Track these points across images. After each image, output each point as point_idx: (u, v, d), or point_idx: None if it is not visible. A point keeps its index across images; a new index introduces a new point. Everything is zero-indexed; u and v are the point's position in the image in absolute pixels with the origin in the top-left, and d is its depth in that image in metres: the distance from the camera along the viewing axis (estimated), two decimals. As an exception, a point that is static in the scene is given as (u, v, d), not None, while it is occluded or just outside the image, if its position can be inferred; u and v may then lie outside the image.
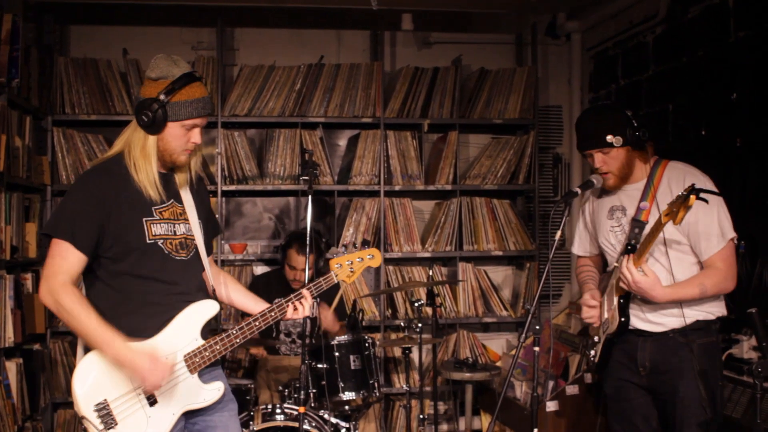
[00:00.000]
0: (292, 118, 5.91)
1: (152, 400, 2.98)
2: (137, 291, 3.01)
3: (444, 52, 6.38)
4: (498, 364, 5.83)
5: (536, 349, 3.46)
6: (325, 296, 4.26)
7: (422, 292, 5.73)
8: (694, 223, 3.48)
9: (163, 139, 3.01)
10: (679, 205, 3.16)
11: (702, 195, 3.14)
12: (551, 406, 4.76)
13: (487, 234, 6.18)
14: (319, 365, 4.61)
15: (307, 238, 3.90)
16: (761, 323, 3.04)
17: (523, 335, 3.44)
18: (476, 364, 5.49)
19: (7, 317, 4.66)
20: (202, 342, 3.07)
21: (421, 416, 5.05)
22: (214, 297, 3.20)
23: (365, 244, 3.44)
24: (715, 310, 3.58)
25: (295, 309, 3.25)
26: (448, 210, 6.13)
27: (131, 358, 2.88)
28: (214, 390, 3.12)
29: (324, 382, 4.62)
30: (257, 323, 3.16)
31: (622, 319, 3.66)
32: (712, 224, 3.47)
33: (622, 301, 3.65)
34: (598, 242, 3.89)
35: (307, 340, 4.27)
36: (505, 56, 6.57)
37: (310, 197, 3.93)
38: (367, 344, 4.83)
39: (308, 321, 4.26)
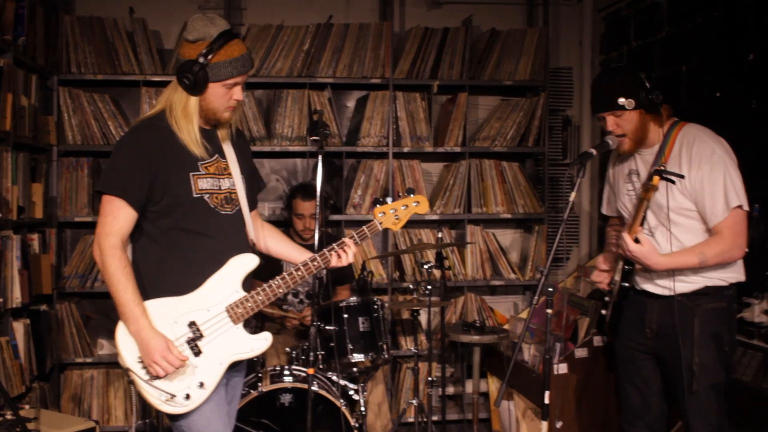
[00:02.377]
0: (300, 79, 5.84)
1: (197, 351, 3.03)
2: (183, 245, 3.05)
3: (454, 12, 6.30)
4: (506, 327, 5.81)
5: (549, 311, 3.45)
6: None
7: (431, 255, 5.70)
8: (700, 190, 3.45)
9: (206, 99, 3.04)
10: (648, 185, 3.16)
11: (667, 177, 3.13)
12: (560, 368, 4.74)
13: (495, 197, 6.13)
14: (328, 327, 4.60)
15: (317, 199, 3.85)
16: None
17: (536, 296, 3.42)
18: (484, 327, 5.47)
19: (14, 277, 4.65)
20: (243, 293, 3.09)
21: (429, 378, 5.04)
22: (254, 250, 3.21)
23: (410, 191, 3.37)
24: (729, 275, 3.55)
25: (339, 257, 3.25)
26: (457, 172, 6.08)
27: (148, 340, 2.93)
28: (262, 339, 3.14)
29: (332, 344, 4.61)
30: (299, 273, 3.18)
31: (624, 284, 3.66)
32: (717, 191, 3.42)
33: (627, 267, 3.64)
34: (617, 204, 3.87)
35: (317, 301, 4.24)
36: (516, 17, 6.49)
37: (320, 157, 3.87)
38: (375, 306, 4.82)
39: (317, 282, 4.23)
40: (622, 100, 3.50)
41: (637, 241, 3.42)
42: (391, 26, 5.96)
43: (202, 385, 3.01)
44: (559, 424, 4.69)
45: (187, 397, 2.99)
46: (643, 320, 3.69)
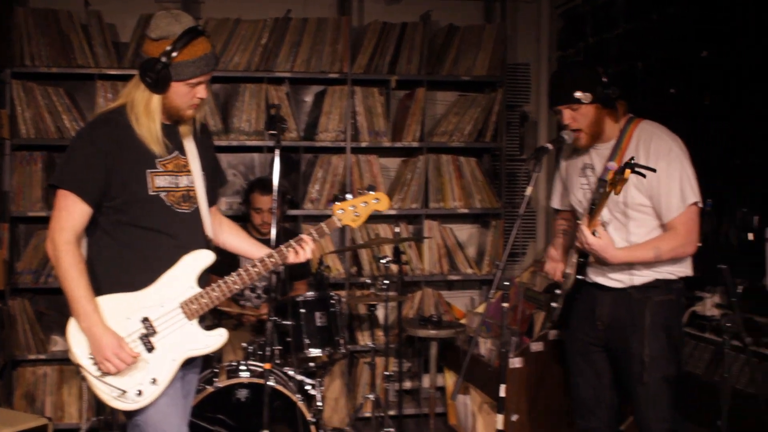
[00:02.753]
0: (258, 73, 5.81)
1: (150, 347, 3.00)
2: (138, 242, 3.02)
3: (412, 8, 6.29)
4: (462, 321, 5.83)
5: (505, 305, 3.47)
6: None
7: (388, 250, 5.71)
8: (657, 186, 3.49)
9: (168, 98, 3.01)
10: (617, 178, 3.18)
11: (639, 170, 3.17)
12: (516, 362, 4.77)
13: (453, 191, 6.15)
14: (285, 322, 4.58)
15: (274, 193, 3.84)
16: (731, 279, 3.05)
17: (492, 291, 3.44)
18: (441, 322, 5.49)
19: (-35, 272, 4.58)
20: (198, 290, 3.08)
21: (386, 373, 5.05)
22: (211, 246, 3.19)
23: (371, 188, 3.35)
24: (678, 269, 3.61)
25: (296, 253, 3.24)
26: (415, 167, 6.09)
27: (99, 337, 2.91)
28: (217, 336, 3.14)
29: (289, 339, 4.60)
30: (256, 269, 3.17)
31: (579, 277, 3.70)
32: (673, 187, 3.47)
33: (581, 260, 3.67)
34: (569, 198, 3.90)
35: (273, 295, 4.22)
36: (474, 13, 6.50)
37: (277, 151, 3.86)
38: (332, 301, 4.82)
39: (273, 276, 4.22)
40: (578, 94, 3.54)
41: (594, 234, 3.45)
42: (350, 21, 5.95)
43: (154, 381, 2.99)
44: (514, 417, 4.73)
45: (139, 393, 2.97)
46: (594, 313, 3.73)
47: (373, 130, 6.04)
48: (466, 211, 6.18)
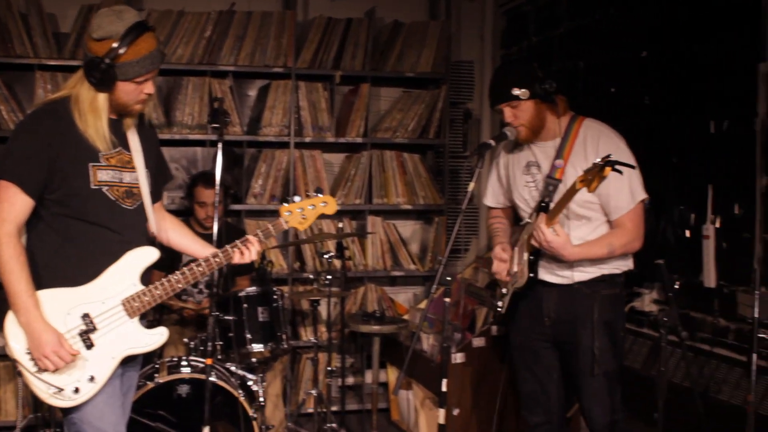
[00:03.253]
0: (201, 66, 5.76)
1: (89, 344, 2.95)
2: (80, 236, 2.97)
3: (357, 3, 6.29)
4: (405, 317, 5.85)
5: (447, 300, 3.48)
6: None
7: (331, 245, 5.70)
8: (605, 185, 3.44)
9: (115, 95, 2.96)
10: (594, 174, 3.19)
11: (617, 167, 3.18)
12: (458, 358, 4.80)
13: (396, 188, 6.17)
14: (227, 317, 4.55)
15: (216, 186, 3.81)
16: (668, 275, 3.11)
17: (434, 286, 3.45)
18: (384, 317, 5.50)
19: None
20: (141, 287, 3.04)
21: (329, 368, 5.04)
22: (154, 243, 3.16)
23: (318, 191, 3.34)
24: (622, 264, 3.69)
25: (242, 254, 3.21)
26: (359, 163, 6.09)
27: (39, 333, 2.86)
28: (157, 335, 3.10)
29: (231, 334, 4.57)
30: (200, 269, 3.13)
31: (531, 275, 3.73)
32: (622, 186, 3.53)
33: (532, 257, 3.70)
34: (511, 196, 3.92)
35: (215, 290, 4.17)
36: (419, 9, 6.52)
37: (220, 145, 3.83)
38: (275, 296, 4.80)
39: (216, 271, 4.18)
40: (516, 91, 3.58)
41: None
42: (294, 15, 5.92)
43: (92, 379, 2.95)
44: (456, 412, 4.75)
45: (76, 390, 2.92)
46: (542, 309, 3.76)
47: (317, 126, 6.02)
48: (409, 207, 6.19)
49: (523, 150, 3.83)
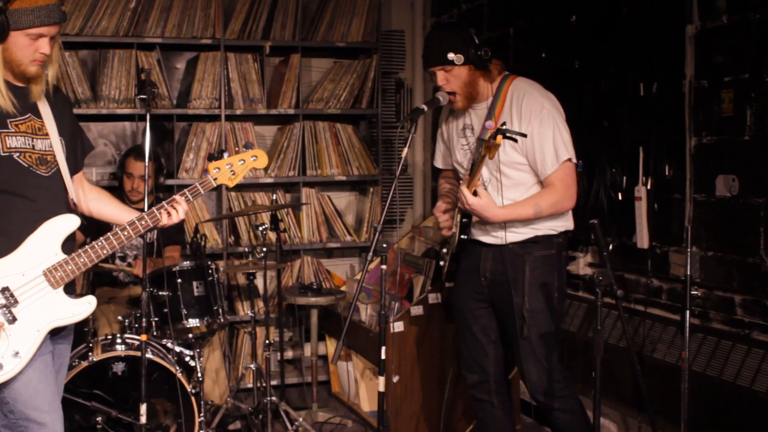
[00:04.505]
0: (127, 39, 5.62)
1: (11, 318, 2.86)
2: None
3: (286, -28, 6.21)
4: (342, 288, 5.83)
5: (383, 267, 3.48)
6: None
7: (266, 218, 5.64)
8: (531, 144, 3.56)
9: (8, 50, 2.86)
10: (490, 143, 3.24)
11: (509, 135, 3.23)
12: (397, 327, 4.80)
13: (330, 159, 6.12)
14: (161, 293, 4.48)
15: (146, 159, 3.73)
16: (602, 234, 3.13)
17: (370, 255, 3.43)
18: (321, 289, 5.47)
19: None
20: (63, 256, 2.94)
21: (267, 342, 5.00)
22: (75, 212, 3.04)
23: (248, 146, 3.24)
24: (558, 224, 3.70)
25: (169, 215, 3.11)
26: (291, 134, 6.03)
27: None
28: (84, 303, 3.00)
29: (166, 310, 4.49)
30: (125, 233, 3.03)
31: (462, 237, 3.75)
32: (546, 145, 3.55)
33: (464, 220, 3.71)
34: (451, 159, 3.93)
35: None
36: (348, -22, 6.45)
37: (148, 116, 3.75)
38: (210, 270, 4.73)
39: (145, 245, 4.10)
40: (451, 55, 3.57)
41: (475, 194, 3.48)
42: (221, -15, 5.82)
43: (16, 354, 2.85)
44: (395, 379, 4.76)
45: (0, 366, 2.83)
46: (479, 269, 3.79)
47: (248, 98, 5.94)
48: (343, 178, 6.16)
49: (459, 114, 3.84)
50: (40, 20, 2.83)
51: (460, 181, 3.73)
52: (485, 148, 3.31)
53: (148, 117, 3.78)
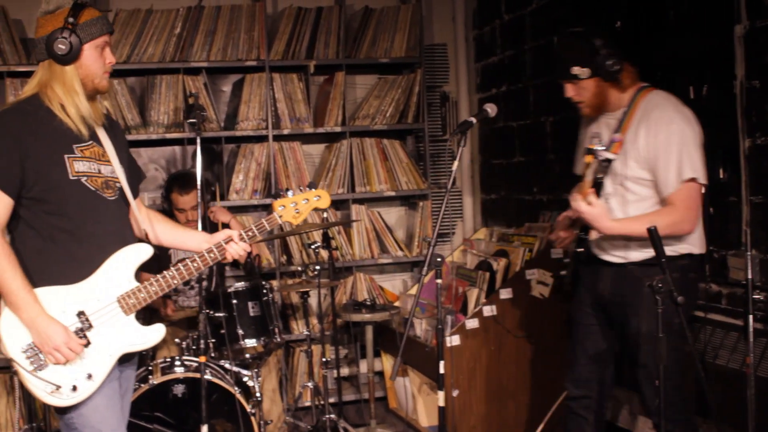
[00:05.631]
0: (173, 64, 5.69)
1: (85, 342, 2.91)
2: (64, 232, 2.92)
3: (326, -9, 6.26)
4: (396, 304, 5.82)
5: (438, 281, 3.45)
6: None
7: (317, 236, 5.66)
8: (654, 159, 3.41)
9: (82, 66, 2.95)
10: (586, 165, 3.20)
11: (599, 156, 3.21)
12: (453, 340, 4.78)
13: (378, 175, 6.13)
14: (218, 314, 4.51)
15: (198, 181, 3.77)
16: (659, 240, 3.07)
17: (424, 269, 3.42)
18: (375, 305, 5.46)
19: None
20: (136, 284, 3.00)
21: (324, 360, 5.01)
22: (147, 241, 3.12)
23: (311, 186, 3.31)
24: (680, 246, 3.50)
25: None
26: (339, 152, 6.05)
27: (46, 327, 2.83)
28: (155, 331, 3.06)
29: (223, 331, 4.53)
30: (195, 264, 3.10)
31: (579, 250, 3.66)
32: (670, 162, 3.38)
33: (581, 234, 3.63)
34: None
35: (205, 286, 4.14)
36: (388, -6, 6.48)
37: (198, 139, 3.79)
38: (265, 290, 4.76)
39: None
40: (576, 70, 3.46)
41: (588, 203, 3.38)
42: (264, 7, 5.87)
43: (90, 376, 2.90)
44: (455, 393, 4.74)
45: (74, 389, 2.88)
46: (597, 287, 3.69)
47: (295, 117, 5.98)
48: (392, 193, 6.16)
49: (592, 121, 3.71)
50: (106, 27, 2.99)
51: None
52: (584, 164, 3.25)
53: (198, 141, 3.82)
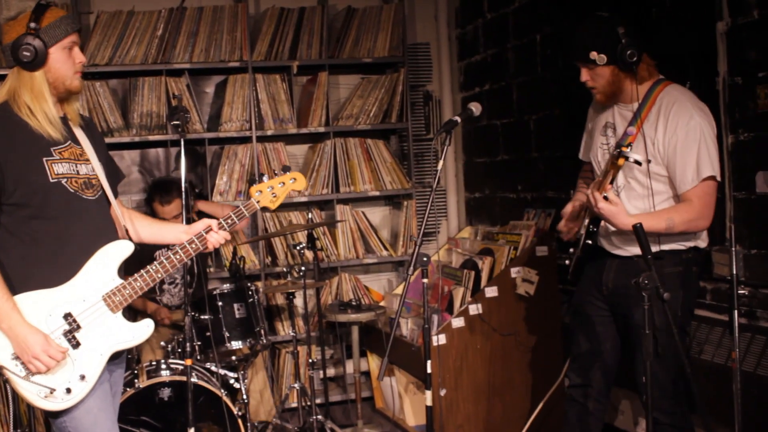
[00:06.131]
0: (155, 66, 5.66)
1: (75, 343, 2.91)
2: (46, 236, 2.90)
3: (308, -9, 6.25)
4: (382, 303, 5.82)
5: (425, 280, 3.44)
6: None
7: (302, 237, 5.65)
8: (673, 155, 3.40)
9: (51, 69, 2.93)
10: (614, 162, 3.18)
11: (631, 160, 3.16)
12: (439, 339, 4.78)
13: (363, 175, 6.13)
14: (203, 316, 4.49)
15: (182, 183, 3.75)
16: (645, 237, 3.07)
17: (411, 269, 3.41)
18: (360, 305, 5.46)
19: None
20: (120, 281, 3.00)
21: (310, 360, 5.00)
22: (128, 238, 3.12)
23: (285, 169, 3.32)
24: (688, 240, 3.51)
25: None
26: (323, 152, 6.04)
27: (24, 337, 2.81)
28: (143, 326, 3.05)
29: (209, 334, 4.51)
30: (178, 256, 3.10)
31: (588, 242, 3.63)
32: (689, 159, 3.36)
33: (592, 227, 3.60)
34: (590, 154, 3.83)
35: (189, 290, 4.13)
36: (371, -6, 6.47)
37: (182, 141, 3.77)
38: (250, 292, 4.75)
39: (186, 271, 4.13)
40: (593, 55, 3.43)
41: (606, 198, 3.35)
42: (246, 8, 5.85)
43: (83, 378, 2.89)
44: (443, 392, 4.74)
45: (68, 391, 2.87)
46: (601, 277, 3.70)
47: (278, 118, 5.96)
48: (377, 193, 6.16)
49: (605, 108, 3.69)
50: (71, 27, 2.95)
51: (591, 183, 3.64)
52: (613, 159, 3.22)
53: (182, 143, 3.80)
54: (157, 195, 5.04)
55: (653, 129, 3.43)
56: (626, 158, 3.17)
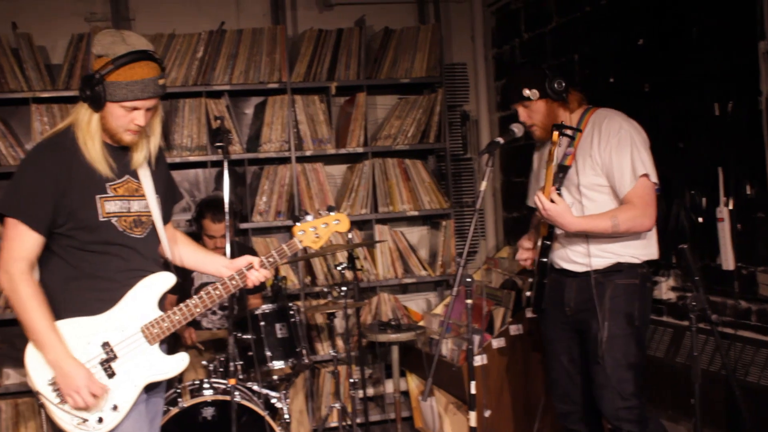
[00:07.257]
0: (196, 88, 5.73)
1: (110, 372, 2.92)
2: (91, 266, 2.93)
3: (346, 13, 6.28)
4: (421, 323, 5.82)
5: (468, 301, 3.47)
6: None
7: (341, 257, 5.67)
8: (609, 163, 3.62)
9: (104, 118, 2.91)
10: (548, 166, 3.45)
11: (564, 132, 3.48)
12: (479, 360, 4.78)
13: (401, 194, 6.15)
14: (245, 336, 4.52)
15: (226, 206, 3.78)
16: (693, 259, 3.08)
17: (455, 288, 3.45)
18: (400, 325, 5.47)
19: None
20: (159, 313, 3.02)
21: (351, 380, 5.01)
22: (170, 269, 3.13)
23: (330, 209, 3.35)
24: (641, 253, 3.70)
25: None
26: (361, 173, 6.07)
27: (69, 370, 2.83)
28: (179, 360, 3.07)
29: (251, 353, 4.54)
30: (217, 292, 3.11)
31: (543, 260, 3.79)
32: (624, 162, 3.60)
33: (546, 242, 3.77)
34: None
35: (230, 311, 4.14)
36: (408, 15, 6.49)
37: (226, 163, 3.80)
38: (291, 312, 4.77)
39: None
40: (526, 92, 3.71)
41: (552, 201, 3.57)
42: (285, 30, 5.91)
43: (115, 408, 2.91)
44: (487, 413, 4.73)
45: (100, 420, 2.89)
46: (563, 299, 3.81)
47: (317, 138, 6.00)
48: (415, 213, 6.17)
49: (545, 145, 3.90)
50: (133, 95, 2.85)
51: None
52: (546, 168, 3.45)
53: (225, 164, 3.83)
54: (209, 212, 5.06)
55: (589, 144, 3.67)
56: (560, 130, 3.47)
